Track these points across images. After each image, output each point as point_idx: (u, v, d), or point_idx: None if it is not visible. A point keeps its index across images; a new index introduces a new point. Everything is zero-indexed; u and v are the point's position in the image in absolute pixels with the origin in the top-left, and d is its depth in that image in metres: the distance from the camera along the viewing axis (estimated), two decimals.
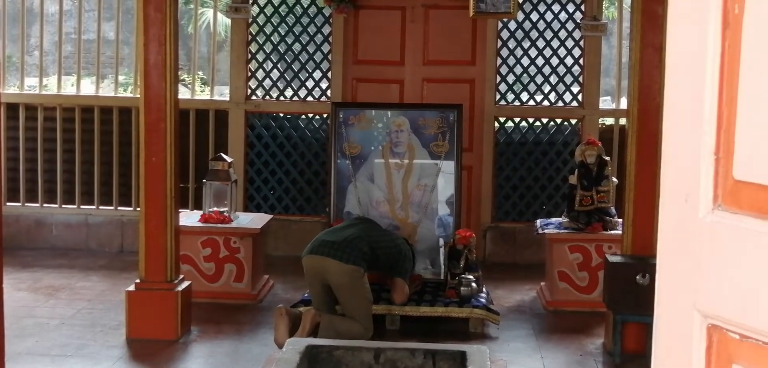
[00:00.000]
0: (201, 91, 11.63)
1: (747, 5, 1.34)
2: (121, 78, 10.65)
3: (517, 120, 10.10)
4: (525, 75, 10.01)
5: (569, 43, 9.81)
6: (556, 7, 9.84)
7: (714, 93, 1.38)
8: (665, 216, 1.48)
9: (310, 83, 10.19)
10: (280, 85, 10.21)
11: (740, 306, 1.35)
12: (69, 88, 10.75)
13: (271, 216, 9.01)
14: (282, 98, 10.17)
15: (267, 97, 10.10)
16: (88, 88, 10.91)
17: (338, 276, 6.87)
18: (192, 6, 10.96)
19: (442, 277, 7.80)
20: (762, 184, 1.33)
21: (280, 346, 6.43)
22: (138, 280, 7.13)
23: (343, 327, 6.85)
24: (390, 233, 7.60)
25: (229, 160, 8.57)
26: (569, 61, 9.87)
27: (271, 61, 10.15)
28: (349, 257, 6.87)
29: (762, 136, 1.32)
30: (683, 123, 1.44)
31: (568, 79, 9.92)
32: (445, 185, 8.18)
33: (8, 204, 9.98)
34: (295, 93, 10.19)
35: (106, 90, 10.69)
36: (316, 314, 6.90)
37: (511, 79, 9.98)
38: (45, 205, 10.08)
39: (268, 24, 10.15)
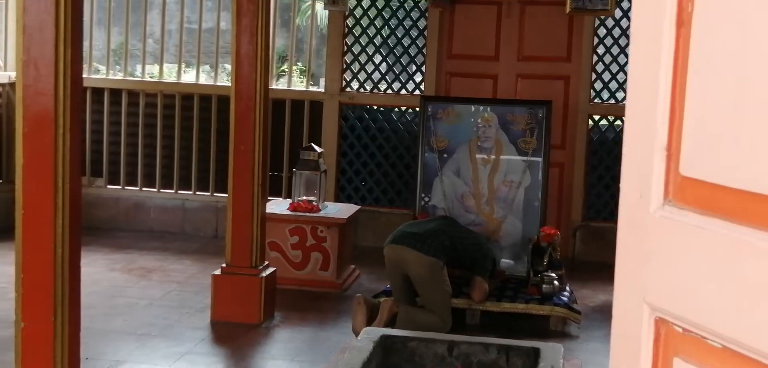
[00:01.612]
0: (300, 82, 11.78)
1: (697, 3, 1.36)
2: (226, 67, 10.87)
3: (611, 118, 10.00)
4: (621, 73, 9.90)
5: None
6: None
7: (667, 89, 1.40)
8: (622, 211, 1.50)
9: (404, 76, 10.26)
10: (375, 77, 10.28)
11: (684, 301, 1.37)
12: (172, 76, 10.98)
13: (359, 207, 9.10)
14: (376, 91, 10.26)
15: (361, 90, 10.19)
16: (189, 76, 11.15)
17: (418, 268, 6.92)
18: None
19: (525, 274, 7.78)
20: (704, 180, 1.34)
21: (357, 334, 6.52)
22: (224, 265, 7.29)
23: (421, 318, 6.89)
24: (472, 231, 7.62)
25: (319, 150, 8.69)
26: None
27: (367, 53, 10.25)
28: (430, 249, 6.91)
29: (704, 134, 1.34)
30: (640, 118, 1.46)
31: None
32: (541, 181, 8.16)
33: (108, 186, 10.30)
34: (389, 86, 10.27)
35: (207, 78, 10.91)
36: (394, 304, 6.96)
37: (606, 77, 9.88)
38: (144, 189, 10.37)
39: (365, 17, 10.24)
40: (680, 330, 1.38)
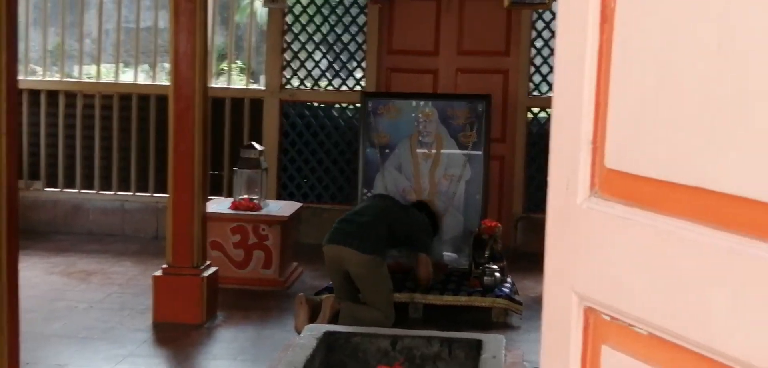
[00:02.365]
0: (241, 80, 11.71)
1: (619, 6, 1.39)
2: (165, 67, 10.78)
3: (550, 111, 10.07)
4: None
5: None
6: None
7: (592, 83, 1.42)
8: (551, 202, 1.52)
9: (344, 73, 10.27)
10: (315, 74, 10.28)
11: (610, 289, 1.39)
12: (109, 76, 10.89)
13: (301, 204, 9.09)
14: (316, 87, 10.27)
15: (302, 87, 10.19)
16: (127, 76, 11.05)
17: (357, 266, 6.93)
18: None
19: (467, 267, 7.83)
20: (629, 172, 1.37)
21: (300, 333, 6.52)
22: (165, 265, 7.25)
23: (363, 315, 6.91)
24: (408, 209, 7.58)
25: (259, 148, 8.68)
26: None
27: (307, 50, 10.24)
28: (367, 246, 6.91)
29: (628, 127, 1.37)
30: (567, 111, 1.48)
31: None
32: (481, 175, 8.22)
33: (46, 189, 10.20)
34: (330, 82, 10.28)
35: (146, 78, 10.83)
36: (336, 301, 6.97)
37: (545, 70, 9.97)
38: (82, 191, 10.27)
39: (304, 13, 10.24)
40: (608, 318, 1.40)
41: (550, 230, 1.52)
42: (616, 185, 1.40)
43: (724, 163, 1.21)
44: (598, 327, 1.43)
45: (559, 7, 1.53)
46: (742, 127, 1.18)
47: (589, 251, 1.43)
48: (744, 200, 1.18)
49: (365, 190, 8.28)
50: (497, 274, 7.54)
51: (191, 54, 7.14)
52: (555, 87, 1.53)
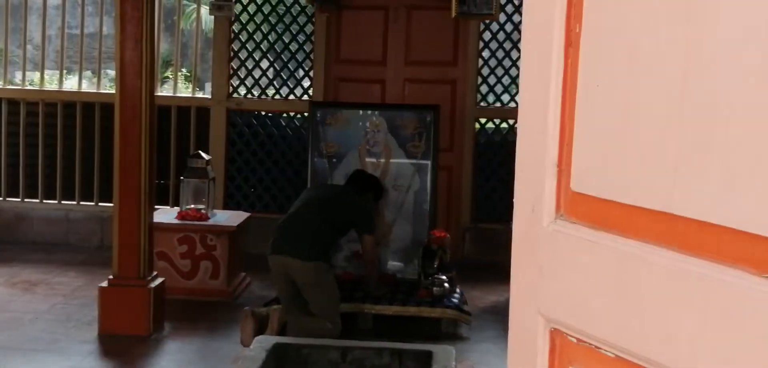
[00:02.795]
0: (186, 89, 11.68)
1: (584, 25, 1.41)
2: (109, 74, 10.71)
3: (497, 121, 10.15)
4: (506, 77, 10.06)
5: None
6: None
7: (557, 107, 1.44)
8: (516, 225, 1.54)
9: (292, 82, 10.26)
10: (262, 83, 10.26)
11: (576, 312, 1.41)
12: (53, 83, 10.78)
13: (249, 214, 9.06)
14: (264, 96, 10.24)
15: (249, 95, 10.15)
16: (71, 83, 10.95)
17: (303, 275, 6.88)
18: (180, 2, 10.99)
19: (416, 277, 7.84)
20: (595, 196, 1.39)
21: (246, 346, 6.50)
22: (111, 276, 7.19)
23: (311, 326, 6.88)
24: (345, 192, 7.43)
25: (206, 157, 8.64)
26: None
27: (254, 59, 10.20)
28: (311, 252, 6.85)
29: (594, 151, 1.39)
30: (531, 135, 1.50)
31: None
32: (429, 185, 8.25)
33: None
34: (277, 91, 10.27)
35: (90, 85, 10.73)
36: (283, 313, 6.94)
37: (492, 80, 10.03)
38: (26, 200, 10.15)
39: (251, 22, 10.22)
40: (574, 340, 1.42)
41: (516, 252, 1.54)
42: (582, 208, 1.41)
43: (691, 189, 1.23)
44: (565, 349, 1.45)
45: (523, 32, 1.55)
46: (710, 153, 1.21)
47: (555, 273, 1.45)
48: (712, 226, 1.20)
49: None
50: (446, 285, 7.56)
51: (138, 62, 7.09)
52: (520, 110, 1.55)
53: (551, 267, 1.46)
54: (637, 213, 1.32)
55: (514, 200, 1.55)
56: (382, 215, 8.02)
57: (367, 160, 8.20)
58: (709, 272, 1.21)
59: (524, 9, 1.54)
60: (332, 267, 7.10)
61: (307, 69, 10.16)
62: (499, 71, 10.02)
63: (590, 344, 1.39)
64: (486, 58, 9.97)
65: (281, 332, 6.81)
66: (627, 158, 1.34)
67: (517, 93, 10.02)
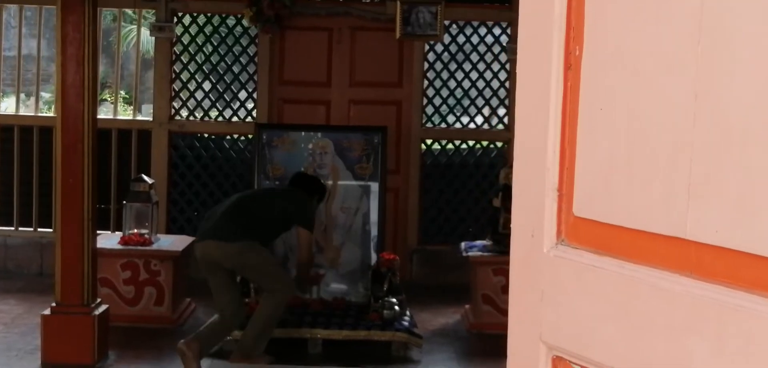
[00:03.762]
0: (124, 111, 11.57)
1: (585, 47, 1.40)
2: (47, 96, 10.58)
3: (443, 142, 10.17)
4: (451, 98, 10.09)
5: (495, 67, 9.90)
6: (482, 31, 9.94)
7: (557, 131, 1.44)
8: (515, 251, 1.53)
9: (235, 103, 10.19)
10: (205, 105, 10.19)
11: (581, 339, 1.41)
12: None
13: (193, 238, 8.96)
14: (207, 118, 10.17)
15: (191, 117, 10.07)
16: (9, 106, 10.79)
17: (229, 259, 6.82)
18: (119, 23, 10.90)
19: (365, 300, 7.81)
20: (599, 220, 1.38)
21: None
22: (54, 304, 7.07)
23: (257, 325, 6.81)
24: (273, 193, 7.51)
25: (150, 181, 8.55)
26: (495, 84, 9.95)
27: (196, 80, 10.12)
28: (235, 234, 6.77)
29: (597, 175, 1.38)
30: (530, 160, 1.49)
31: (495, 102, 10.03)
32: (377, 207, 8.23)
33: None
34: (220, 113, 10.20)
35: (29, 109, 10.58)
36: (191, 344, 6.75)
37: (437, 101, 10.05)
38: None
39: (193, 43, 10.15)
40: (578, 367, 1.42)
41: (514, 278, 1.53)
42: (585, 233, 1.41)
43: (706, 213, 1.23)
44: None
45: (519, 53, 1.54)
46: (725, 176, 1.20)
47: (557, 300, 1.44)
48: (728, 251, 1.20)
49: None
50: (396, 307, 7.55)
51: (80, 84, 7.00)
52: (517, 135, 1.54)
53: (553, 293, 1.45)
54: (645, 237, 1.32)
55: (513, 226, 1.54)
56: (328, 232, 8.01)
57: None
58: (725, 298, 1.20)
59: (520, 30, 1.54)
60: (263, 247, 6.98)
61: (250, 90, 10.10)
62: (445, 92, 10.05)
63: None
64: (431, 79, 9.98)
65: (200, 356, 6.66)
66: (634, 182, 1.33)
67: (462, 113, 10.09)
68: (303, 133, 8.46)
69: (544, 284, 1.46)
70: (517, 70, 1.54)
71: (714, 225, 1.22)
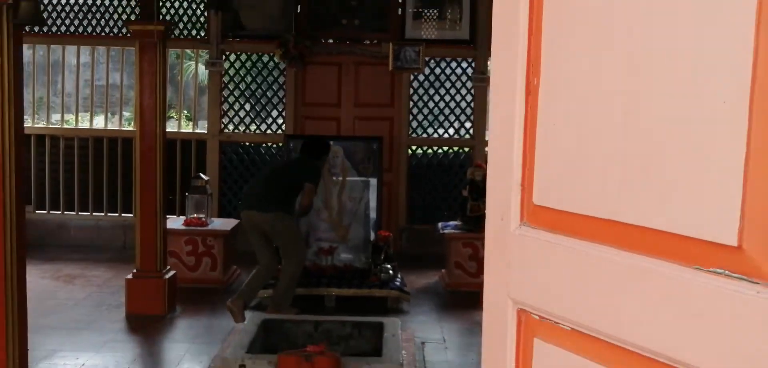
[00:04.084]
0: (186, 125, 11.51)
1: (542, 77, 1.40)
2: (127, 115, 10.54)
3: (424, 148, 10.16)
4: (430, 114, 10.08)
5: (463, 92, 9.89)
6: (453, 64, 9.92)
7: (520, 141, 1.43)
8: (489, 230, 1.53)
9: (269, 120, 10.16)
10: (246, 121, 10.16)
11: (539, 296, 1.40)
12: (84, 123, 10.55)
13: (238, 221, 8.93)
14: (247, 131, 10.14)
15: (236, 130, 10.04)
16: (99, 123, 10.76)
17: (267, 225, 6.83)
18: (182, 60, 10.91)
19: (367, 267, 7.81)
20: (552, 207, 1.38)
21: (240, 322, 6.42)
22: (135, 270, 7.07)
23: (283, 283, 6.82)
24: (300, 159, 7.30)
25: (205, 178, 8.55)
26: (463, 104, 9.94)
27: (239, 102, 10.10)
28: (270, 206, 6.79)
29: (551, 173, 1.38)
30: (500, 162, 1.49)
31: (463, 118, 10.02)
32: (376, 196, 8.22)
33: (37, 211, 9.81)
34: (257, 127, 10.17)
35: (114, 125, 10.54)
36: (236, 299, 6.77)
37: (420, 117, 10.04)
38: (65, 212, 9.93)
39: (237, 74, 10.12)
40: (537, 317, 1.41)
41: (489, 251, 1.52)
42: (542, 217, 1.40)
43: (632, 202, 1.23)
44: (529, 324, 1.43)
45: (492, 81, 1.53)
46: (646, 175, 1.20)
47: (520, 267, 1.44)
48: (650, 229, 1.20)
49: None
50: (390, 272, 7.56)
51: (153, 106, 7.02)
52: (490, 143, 1.53)
53: (517, 262, 1.44)
54: (588, 220, 1.31)
55: (487, 211, 1.53)
56: (339, 216, 8.00)
57: (332, 176, 8.14)
58: (648, 265, 1.20)
59: (492, 66, 1.53)
60: (290, 216, 6.96)
61: (280, 110, 10.08)
62: (425, 110, 10.03)
63: (550, 320, 1.38)
64: (415, 101, 9.97)
65: (244, 308, 6.69)
66: (579, 179, 1.33)
67: (439, 126, 10.07)
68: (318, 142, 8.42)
69: (511, 255, 1.45)
70: (491, 95, 1.54)
71: (639, 211, 1.22)
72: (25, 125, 10.08)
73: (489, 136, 1.54)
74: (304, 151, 7.27)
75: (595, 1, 1.31)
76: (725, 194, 1.12)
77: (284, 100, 9.96)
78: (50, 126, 10.21)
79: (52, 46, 9.96)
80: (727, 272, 1.12)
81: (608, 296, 1.28)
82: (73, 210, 9.96)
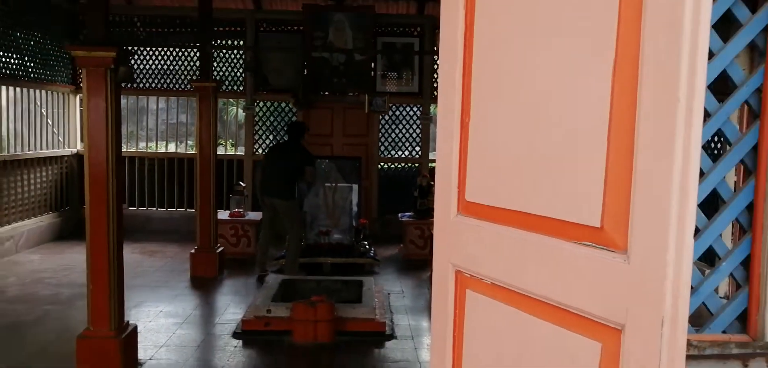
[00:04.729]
0: (230, 149, 11.38)
1: (471, 116, 1.41)
2: (189, 142, 10.38)
3: (390, 164, 10.13)
4: (393, 142, 10.06)
5: (414, 127, 9.89)
6: (407, 109, 9.92)
7: (457, 158, 1.44)
8: (437, 217, 1.53)
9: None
10: (270, 144, 10.01)
11: (469, 260, 1.41)
12: (160, 148, 10.39)
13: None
14: None
15: (263, 152, 9.91)
16: (172, 148, 10.59)
17: (281, 208, 6.67)
18: (228, 105, 10.78)
19: (352, 243, 7.76)
20: (479, 202, 1.38)
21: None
22: (196, 247, 6.97)
23: (290, 249, 6.71)
24: (291, 146, 6.86)
25: (243, 184, 8.45)
26: (414, 135, 9.93)
27: (266, 134, 10.00)
28: (281, 193, 6.62)
29: (478, 180, 1.39)
30: (444, 173, 1.49)
31: (414, 144, 10.01)
32: (357, 197, 8.17)
33: (129, 207, 9.63)
34: None
35: (182, 149, 10.40)
36: (264, 239, 6.78)
37: (386, 143, 10.01)
38: (149, 208, 9.76)
39: (264, 116, 10.03)
40: (469, 275, 1.42)
41: (437, 232, 1.53)
42: (471, 209, 1.41)
43: (531, 197, 1.24)
44: (464, 280, 1.44)
45: (439, 121, 1.54)
46: (538, 179, 1.22)
47: (457, 241, 1.44)
48: (542, 216, 1.21)
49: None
50: (367, 247, 7.52)
51: (208, 137, 6.91)
52: (437, 161, 1.53)
53: (455, 239, 1.45)
54: (501, 211, 1.32)
55: (435, 206, 1.54)
56: (333, 210, 7.94)
57: (327, 184, 8.09)
58: (541, 240, 1.21)
59: (439, 110, 1.53)
60: (297, 200, 6.79)
61: None
62: (389, 139, 10.01)
63: (478, 276, 1.39)
64: (382, 133, 9.93)
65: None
66: (496, 182, 1.34)
67: (399, 150, 10.04)
68: (318, 160, 8.37)
69: (451, 235, 1.46)
70: (438, 129, 1.54)
71: (534, 203, 1.23)
72: (122, 149, 10.00)
73: (436, 155, 1.55)
74: (291, 134, 6.93)
75: (503, 67, 1.33)
76: (592, 192, 1.13)
77: None
78: (137, 150, 10.04)
79: (139, 96, 9.80)
80: (593, 244, 1.13)
81: (515, 261, 1.29)
82: (154, 207, 9.78)
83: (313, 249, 7.32)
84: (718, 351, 1.49)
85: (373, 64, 9.12)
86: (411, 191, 9.51)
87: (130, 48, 8.82)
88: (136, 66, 9.59)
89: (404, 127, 9.94)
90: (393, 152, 10.14)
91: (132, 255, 7.81)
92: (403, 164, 10.04)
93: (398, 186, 9.91)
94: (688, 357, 1.51)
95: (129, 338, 4.25)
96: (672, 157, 1.01)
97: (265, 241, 6.83)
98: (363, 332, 5.00)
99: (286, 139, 7.16)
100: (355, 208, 8.15)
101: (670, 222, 1.01)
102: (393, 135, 10.03)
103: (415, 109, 9.89)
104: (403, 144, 10.09)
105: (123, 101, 9.42)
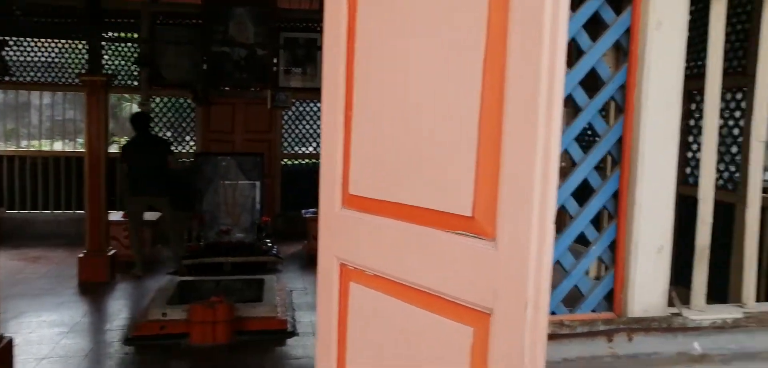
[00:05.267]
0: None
1: (354, 111, 1.42)
2: (79, 140, 9.76)
3: (293, 160, 10.04)
4: (296, 137, 9.97)
5: (319, 122, 9.84)
6: (310, 104, 9.87)
7: (341, 153, 1.45)
8: (322, 212, 1.54)
9: (184, 142, 9.70)
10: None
11: (353, 253, 1.43)
12: (44, 146, 9.69)
13: (160, 213, 8.50)
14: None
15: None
16: (56, 146, 9.92)
17: (159, 204, 6.63)
18: (119, 100, 10.24)
19: (253, 241, 7.62)
20: (360, 195, 1.41)
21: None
22: (85, 251, 6.58)
23: (179, 245, 6.69)
24: (150, 139, 6.72)
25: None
26: (319, 130, 9.89)
27: (163, 131, 9.59)
28: (161, 190, 6.53)
29: (360, 173, 1.41)
30: (329, 167, 1.50)
31: (319, 139, 9.97)
32: (259, 193, 8.03)
33: (7, 211, 8.93)
34: (176, 147, 9.70)
35: (70, 147, 9.76)
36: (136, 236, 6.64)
37: (290, 139, 9.91)
38: (31, 211, 9.07)
39: (161, 112, 9.60)
40: (352, 268, 1.44)
41: (322, 226, 1.53)
42: (354, 202, 1.43)
43: (407, 190, 1.27)
44: (348, 272, 1.46)
45: (322, 116, 1.54)
46: (412, 174, 1.25)
47: (342, 235, 1.46)
48: (419, 207, 1.25)
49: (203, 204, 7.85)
50: (269, 244, 7.42)
51: (98, 134, 6.57)
52: (322, 155, 1.54)
53: (339, 232, 1.46)
54: (381, 203, 1.35)
55: (319, 198, 1.54)
56: (235, 207, 7.77)
57: (226, 182, 7.89)
58: (418, 230, 1.25)
59: (323, 105, 1.54)
60: (168, 195, 6.64)
61: (192, 135, 9.66)
62: (292, 135, 9.92)
63: (361, 269, 1.41)
64: (285, 128, 9.83)
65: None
66: (375, 176, 1.36)
67: (302, 145, 9.98)
68: (219, 157, 8.15)
69: (335, 228, 1.47)
70: (322, 121, 1.55)
71: (411, 195, 1.27)
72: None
73: (321, 149, 1.56)
74: (141, 127, 6.73)
75: (384, 63, 1.36)
76: (464, 185, 1.18)
77: (195, 129, 9.56)
78: (19, 149, 9.32)
79: (20, 90, 9.09)
80: (466, 233, 1.19)
81: (394, 251, 1.32)
82: (36, 209, 9.11)
83: (213, 249, 7.12)
84: (587, 329, 1.60)
85: (275, 60, 8.99)
86: (316, 187, 9.45)
87: (5, 37, 8.16)
88: (15, 57, 8.89)
89: (308, 122, 9.89)
90: (297, 148, 10.06)
91: (10, 261, 7.26)
92: (307, 160, 9.98)
93: (302, 183, 9.84)
94: (562, 336, 1.61)
95: (2, 353, 3.94)
96: (534, 151, 1.07)
97: (138, 241, 6.60)
98: (264, 330, 4.93)
99: (137, 134, 6.78)
100: (257, 206, 8.00)
101: (533, 210, 1.07)
102: (297, 131, 9.95)
103: (319, 104, 9.85)
104: (308, 140, 10.03)
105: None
